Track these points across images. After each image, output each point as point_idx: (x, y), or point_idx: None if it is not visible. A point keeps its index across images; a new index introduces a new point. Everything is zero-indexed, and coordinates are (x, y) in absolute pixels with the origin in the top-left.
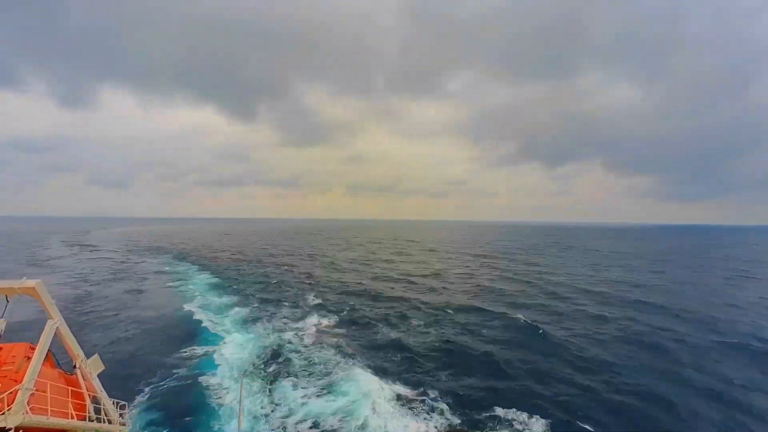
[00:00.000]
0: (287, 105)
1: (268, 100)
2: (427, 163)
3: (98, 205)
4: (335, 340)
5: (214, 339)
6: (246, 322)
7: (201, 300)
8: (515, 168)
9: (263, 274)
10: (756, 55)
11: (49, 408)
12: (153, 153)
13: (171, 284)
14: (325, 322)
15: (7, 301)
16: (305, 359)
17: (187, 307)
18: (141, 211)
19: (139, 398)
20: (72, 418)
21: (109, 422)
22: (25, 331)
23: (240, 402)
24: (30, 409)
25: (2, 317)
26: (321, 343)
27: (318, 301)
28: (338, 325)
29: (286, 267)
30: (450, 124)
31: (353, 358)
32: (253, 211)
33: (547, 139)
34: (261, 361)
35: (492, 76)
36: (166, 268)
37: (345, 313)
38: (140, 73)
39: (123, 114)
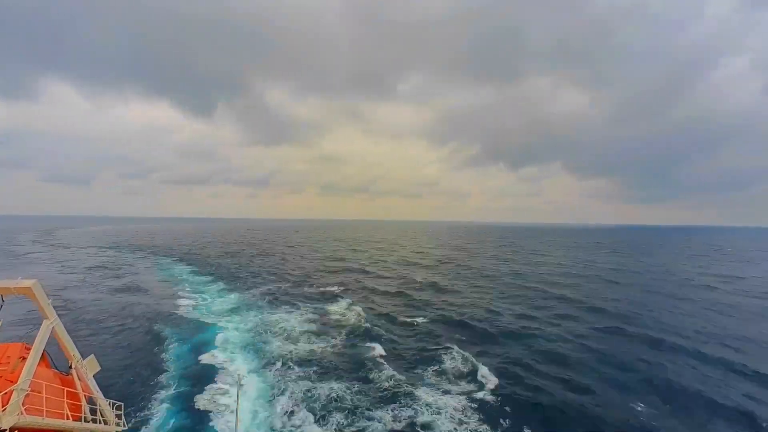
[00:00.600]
0: (247, 102)
1: (227, 97)
2: (400, 164)
3: (57, 203)
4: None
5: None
6: (226, 293)
7: (190, 292)
8: (483, 170)
9: (235, 265)
10: (682, 67)
11: (45, 408)
12: (112, 150)
13: (158, 278)
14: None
15: (2, 301)
16: (252, 307)
17: (178, 300)
18: (106, 209)
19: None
20: (67, 418)
21: (105, 423)
22: (22, 331)
23: (237, 405)
24: (25, 409)
25: None
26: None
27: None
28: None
29: (251, 258)
30: (416, 126)
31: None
32: (222, 210)
33: (508, 141)
34: (229, 309)
35: (444, 79)
36: (149, 264)
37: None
38: (84, 65)
39: (74, 109)
